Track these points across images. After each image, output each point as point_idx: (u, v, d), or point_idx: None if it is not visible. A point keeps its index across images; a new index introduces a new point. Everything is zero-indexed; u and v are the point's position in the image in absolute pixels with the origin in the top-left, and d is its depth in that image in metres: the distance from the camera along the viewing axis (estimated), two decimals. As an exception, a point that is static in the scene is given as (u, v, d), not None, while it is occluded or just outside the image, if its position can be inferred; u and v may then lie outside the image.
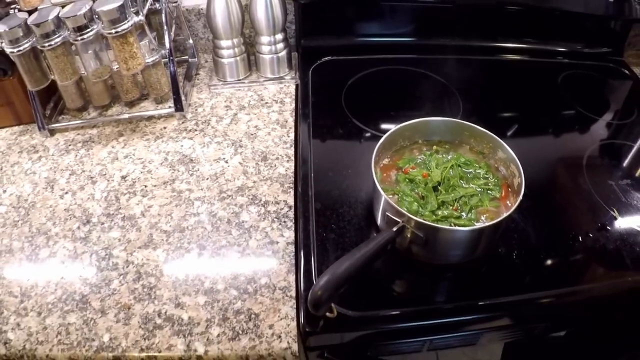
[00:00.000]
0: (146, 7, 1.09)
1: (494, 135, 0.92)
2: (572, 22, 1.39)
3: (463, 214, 0.86)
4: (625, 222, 0.96)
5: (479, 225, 0.84)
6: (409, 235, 0.81)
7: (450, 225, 0.84)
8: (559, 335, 0.97)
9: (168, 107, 1.22)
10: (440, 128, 0.97)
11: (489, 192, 0.90)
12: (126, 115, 1.22)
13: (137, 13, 1.07)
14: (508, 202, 0.89)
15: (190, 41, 1.37)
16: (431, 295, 0.87)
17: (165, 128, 1.19)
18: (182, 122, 1.21)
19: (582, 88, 1.33)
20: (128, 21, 1.03)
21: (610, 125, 1.23)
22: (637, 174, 1.10)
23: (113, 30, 1.03)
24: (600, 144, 1.17)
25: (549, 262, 0.91)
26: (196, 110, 1.25)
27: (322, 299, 0.69)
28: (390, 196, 0.87)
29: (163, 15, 1.15)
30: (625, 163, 1.14)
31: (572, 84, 1.33)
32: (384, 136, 0.91)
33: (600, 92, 1.31)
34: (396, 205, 0.81)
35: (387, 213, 0.82)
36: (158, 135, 1.17)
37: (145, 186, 1.05)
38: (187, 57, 1.39)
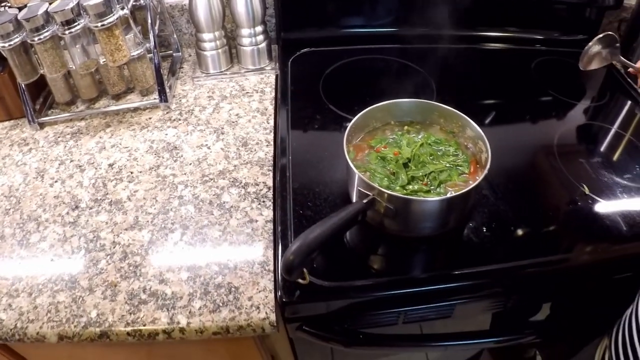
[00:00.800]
0: (131, 2, 1.14)
1: (463, 114, 0.97)
2: (548, 10, 1.45)
3: (432, 188, 0.91)
4: (594, 197, 1.01)
5: (446, 195, 0.89)
6: (380, 209, 0.85)
7: (420, 199, 0.89)
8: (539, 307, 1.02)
9: (153, 99, 1.27)
10: (411, 109, 1.02)
11: (458, 167, 0.94)
12: (113, 108, 1.26)
13: (122, 8, 1.11)
14: (477, 177, 0.92)
15: (175, 36, 1.41)
16: (404, 267, 0.91)
17: (150, 118, 1.24)
18: (167, 113, 1.25)
19: (557, 74, 1.37)
20: (114, 15, 1.08)
21: (581, 107, 1.28)
22: (605, 152, 1.15)
23: (99, 24, 1.07)
24: (571, 126, 1.22)
25: (518, 234, 0.95)
26: (180, 101, 1.29)
27: (294, 264, 0.73)
28: (363, 173, 0.91)
29: (147, 10, 1.19)
30: (595, 142, 1.19)
31: (548, 70, 1.37)
32: (356, 117, 0.96)
33: (574, 78, 1.35)
34: (367, 179, 0.85)
35: (359, 188, 0.87)
36: (144, 125, 1.22)
37: (132, 172, 1.09)
38: (171, 51, 1.43)
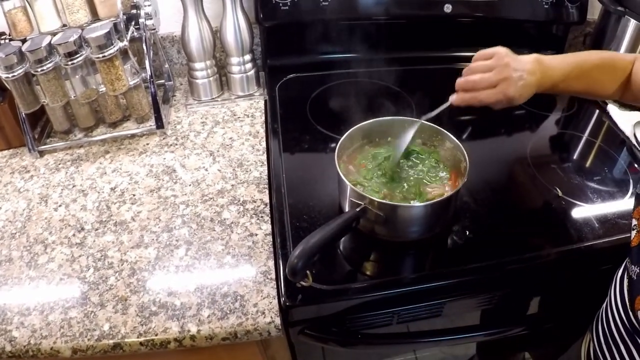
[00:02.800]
0: (129, 34, 1.21)
1: (441, 129, 1.05)
2: (517, 28, 1.55)
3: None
4: (567, 198, 1.10)
5: (430, 201, 0.96)
6: (371, 217, 0.93)
7: (407, 207, 0.96)
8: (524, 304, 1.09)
9: (149, 126, 1.33)
10: (392, 126, 1.09)
11: (439, 176, 1.03)
12: (110, 135, 1.31)
13: (120, 39, 1.18)
14: (457, 184, 1.01)
15: (166, 66, 1.48)
16: (396, 269, 0.98)
17: (148, 144, 1.30)
18: (163, 138, 1.31)
19: None
20: (114, 46, 1.15)
21: (553, 118, 1.38)
22: (576, 157, 1.25)
23: (101, 55, 1.14)
24: (544, 135, 1.32)
25: (498, 235, 1.04)
26: (175, 127, 1.36)
27: (298, 266, 0.80)
28: (353, 185, 0.98)
29: (143, 42, 1.26)
30: (566, 149, 1.30)
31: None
32: (344, 136, 1.04)
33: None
34: (358, 190, 0.93)
35: (351, 199, 0.94)
36: (142, 151, 1.28)
37: (134, 195, 1.15)
38: (163, 80, 1.50)
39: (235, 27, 1.33)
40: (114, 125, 1.36)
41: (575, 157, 1.25)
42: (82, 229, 1.08)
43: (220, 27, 1.35)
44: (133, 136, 1.32)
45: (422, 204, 0.95)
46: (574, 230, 1.04)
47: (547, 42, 1.59)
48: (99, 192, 1.16)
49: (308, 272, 0.84)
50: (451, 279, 0.95)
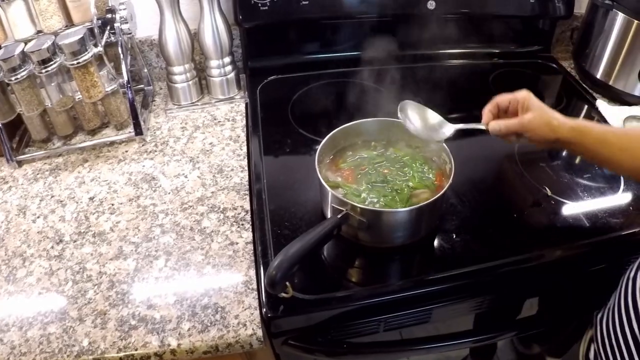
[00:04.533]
0: (104, 39, 1.19)
1: (424, 129, 1.03)
2: (504, 24, 1.53)
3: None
4: (556, 197, 1.08)
5: (415, 205, 0.94)
6: (353, 223, 0.90)
7: (391, 212, 0.94)
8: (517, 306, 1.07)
9: (128, 132, 1.30)
10: (376, 127, 1.07)
11: (424, 180, 1.01)
12: (89, 143, 1.29)
13: (95, 45, 1.16)
14: (443, 187, 0.99)
15: (145, 70, 1.45)
16: (381, 276, 0.95)
17: (127, 151, 1.27)
18: (143, 145, 1.29)
19: (515, 84, 1.42)
20: (88, 52, 1.13)
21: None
22: (565, 155, 1.22)
23: (75, 62, 1.12)
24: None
25: (486, 238, 1.02)
26: (155, 133, 1.33)
27: (276, 278, 0.77)
28: (334, 190, 0.96)
29: (119, 46, 1.23)
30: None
31: (506, 82, 1.45)
32: (324, 139, 1.01)
33: (532, 87, 1.43)
34: (339, 196, 0.91)
35: (332, 204, 0.92)
36: (121, 159, 1.25)
37: (112, 204, 1.13)
38: (142, 85, 1.47)
39: (214, 29, 1.31)
40: (93, 132, 1.33)
41: (564, 154, 1.23)
42: (61, 240, 1.06)
43: (198, 30, 1.33)
44: (112, 143, 1.30)
45: (406, 208, 0.93)
46: (564, 229, 1.03)
47: (533, 38, 1.57)
48: (77, 202, 1.14)
49: (288, 283, 0.82)
50: (438, 285, 0.93)
